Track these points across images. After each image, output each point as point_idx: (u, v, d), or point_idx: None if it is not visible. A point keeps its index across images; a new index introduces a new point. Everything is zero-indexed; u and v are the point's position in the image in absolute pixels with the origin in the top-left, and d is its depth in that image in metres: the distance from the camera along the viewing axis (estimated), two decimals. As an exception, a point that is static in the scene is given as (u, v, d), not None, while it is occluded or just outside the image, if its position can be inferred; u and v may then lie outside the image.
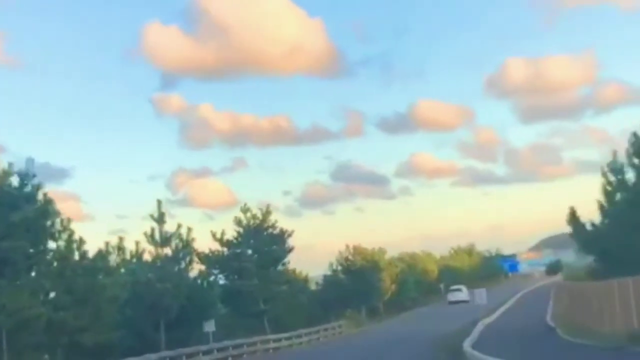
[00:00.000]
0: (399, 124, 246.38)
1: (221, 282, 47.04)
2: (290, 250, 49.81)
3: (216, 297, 39.05)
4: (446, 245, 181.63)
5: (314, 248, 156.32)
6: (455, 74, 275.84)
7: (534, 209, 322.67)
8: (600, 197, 36.69)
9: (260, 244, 48.59)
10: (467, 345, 28.86)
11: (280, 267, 50.00)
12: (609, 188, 36.30)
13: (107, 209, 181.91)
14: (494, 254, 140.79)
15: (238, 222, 48.85)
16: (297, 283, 55.43)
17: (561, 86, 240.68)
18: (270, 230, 49.05)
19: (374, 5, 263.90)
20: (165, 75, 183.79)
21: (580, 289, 37.82)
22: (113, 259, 33.93)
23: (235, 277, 47.67)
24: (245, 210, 48.92)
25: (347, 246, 69.14)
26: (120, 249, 35.16)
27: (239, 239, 48.57)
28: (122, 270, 35.63)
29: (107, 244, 33.30)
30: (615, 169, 36.51)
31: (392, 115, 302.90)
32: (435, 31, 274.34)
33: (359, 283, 67.03)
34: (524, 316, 53.44)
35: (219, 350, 38.77)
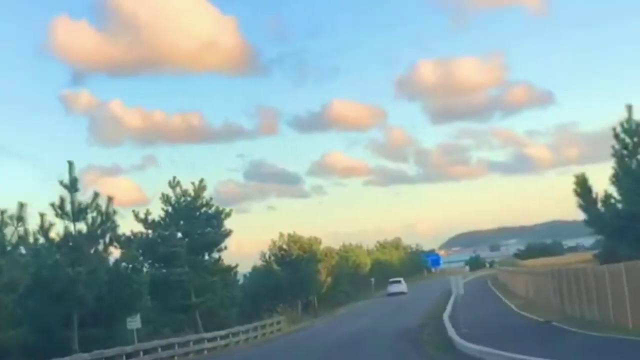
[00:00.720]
0: (313, 123, 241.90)
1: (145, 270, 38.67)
2: (228, 234, 42.01)
3: (144, 287, 30.86)
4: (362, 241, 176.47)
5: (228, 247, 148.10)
6: (368, 75, 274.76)
7: (443, 208, 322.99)
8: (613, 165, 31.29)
9: (192, 225, 40.65)
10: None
11: (215, 254, 42.10)
12: (624, 152, 30.41)
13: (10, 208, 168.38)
14: (415, 250, 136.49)
15: (166, 200, 40.75)
16: (230, 273, 47.49)
17: (471, 88, 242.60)
18: (204, 209, 41.13)
19: (289, 3, 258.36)
20: (74, 71, 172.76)
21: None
22: (9, 232, 25.35)
23: (162, 264, 39.63)
24: (174, 185, 40.86)
25: (282, 234, 61.77)
26: (21, 219, 26.14)
27: (167, 219, 40.50)
28: (22, 249, 27.08)
29: (1, 213, 24.84)
30: (630, 130, 30.93)
31: (305, 114, 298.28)
32: (349, 31, 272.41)
33: (295, 275, 59.79)
34: (486, 309, 47.58)
35: (147, 352, 30.83)
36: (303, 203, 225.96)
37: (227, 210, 41.62)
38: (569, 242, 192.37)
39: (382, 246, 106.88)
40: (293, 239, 61.24)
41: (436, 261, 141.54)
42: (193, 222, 40.50)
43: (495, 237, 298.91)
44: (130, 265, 32.36)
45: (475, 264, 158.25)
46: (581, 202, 34.13)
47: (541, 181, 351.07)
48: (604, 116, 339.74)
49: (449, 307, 49.21)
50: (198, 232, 40.70)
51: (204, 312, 41.23)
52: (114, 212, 29.86)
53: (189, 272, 39.27)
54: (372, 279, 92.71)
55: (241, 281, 61.39)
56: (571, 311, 33.21)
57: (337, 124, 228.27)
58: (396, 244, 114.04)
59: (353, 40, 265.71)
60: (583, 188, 34.35)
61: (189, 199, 40.65)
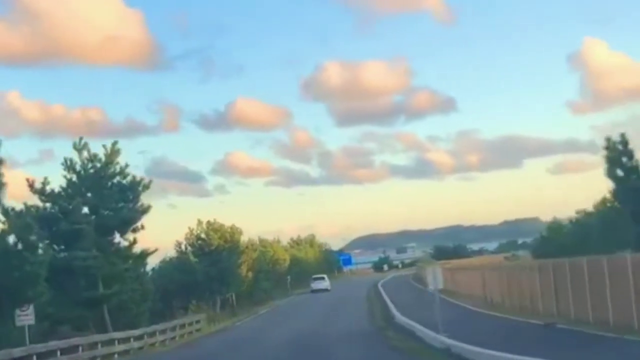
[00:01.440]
0: (217, 121, 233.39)
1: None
2: (146, 210, 33.88)
3: (41, 269, 22.69)
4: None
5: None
6: (274, 75, 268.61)
7: (345, 210, 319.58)
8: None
9: (101, 198, 32.44)
10: None
11: (129, 235, 33.84)
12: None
13: None
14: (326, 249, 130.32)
15: (69, 166, 32.33)
16: (143, 260, 38.98)
17: (375, 91, 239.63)
18: (117, 179, 32.94)
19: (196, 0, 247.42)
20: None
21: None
22: None
23: (63, 246, 31.30)
24: (80, 147, 32.42)
25: (200, 222, 53.70)
26: None
27: (70, 190, 32.14)
28: None
29: None
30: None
31: (210, 112, 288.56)
32: (256, 30, 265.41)
33: (214, 268, 51.97)
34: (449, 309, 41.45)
35: (42, 356, 22.72)
36: (205, 202, 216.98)
37: (146, 181, 33.49)
38: (472, 246, 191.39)
39: (296, 243, 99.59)
40: (213, 227, 53.27)
41: (348, 261, 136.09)
42: (103, 195, 32.29)
43: (396, 240, 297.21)
44: (21, 241, 23.96)
45: (383, 265, 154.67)
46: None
47: (442, 186, 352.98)
48: (502, 124, 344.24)
49: (392, 308, 42.97)
50: (109, 207, 32.49)
51: (114, 306, 33.06)
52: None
53: (96, 256, 31.10)
54: (289, 277, 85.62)
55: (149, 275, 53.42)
56: (564, 311, 28.78)
57: (242, 123, 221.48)
58: (310, 241, 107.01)
59: (259, 39, 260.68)
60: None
61: (98, 165, 32.35)
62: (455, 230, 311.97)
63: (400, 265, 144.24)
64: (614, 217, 76.29)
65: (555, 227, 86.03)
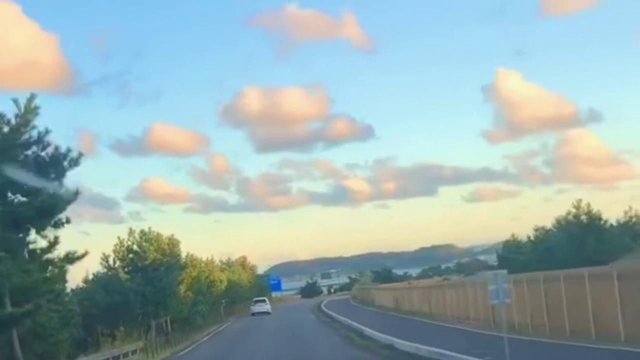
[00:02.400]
0: (134, 147, 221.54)
1: None
2: (74, 197, 23.93)
3: None
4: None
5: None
6: (193, 100, 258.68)
7: (263, 237, 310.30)
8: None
9: (9, 177, 22.42)
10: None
11: (49, 232, 23.80)
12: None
13: None
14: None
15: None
16: (63, 271, 28.70)
17: (294, 118, 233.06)
18: (34, 148, 23.00)
19: (114, 24, 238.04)
20: None
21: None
22: None
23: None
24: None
25: (132, 230, 43.51)
26: None
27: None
28: None
29: None
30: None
31: (127, 137, 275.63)
32: (175, 55, 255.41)
33: (150, 286, 41.95)
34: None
35: None
36: (118, 229, 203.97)
37: (75, 154, 23.58)
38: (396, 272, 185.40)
39: (227, 265, 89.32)
40: (148, 238, 43.16)
41: (277, 286, 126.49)
42: (10, 170, 22.25)
43: (313, 267, 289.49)
44: None
45: (311, 291, 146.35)
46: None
47: (359, 213, 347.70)
48: (419, 152, 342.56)
49: (373, 331, 34.05)
50: (20, 190, 22.55)
51: (27, 332, 22.99)
52: None
53: (2, 258, 21.11)
54: (223, 301, 75.60)
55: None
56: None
57: (159, 149, 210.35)
58: (242, 264, 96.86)
59: (178, 64, 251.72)
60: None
61: (5, 129, 22.36)
62: (373, 257, 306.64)
63: (332, 290, 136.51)
64: (577, 232, 68.80)
65: (513, 244, 79.53)
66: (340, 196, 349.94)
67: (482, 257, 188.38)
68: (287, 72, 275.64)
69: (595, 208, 66.13)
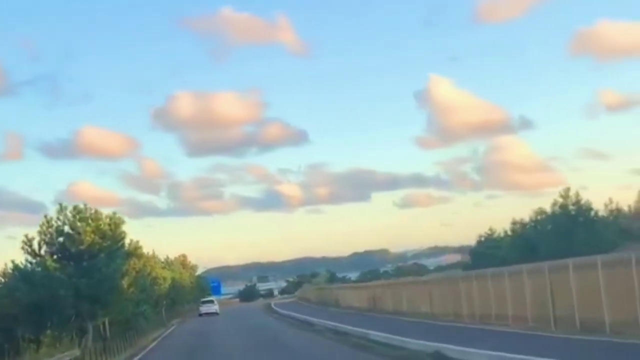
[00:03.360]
0: (62, 149, 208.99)
1: None
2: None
3: None
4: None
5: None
6: (124, 103, 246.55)
7: (194, 242, 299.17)
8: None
9: None
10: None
11: None
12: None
13: None
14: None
15: None
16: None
17: (228, 122, 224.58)
18: None
19: (44, 24, 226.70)
20: None
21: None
22: None
23: None
24: None
25: (62, 206, 33.30)
26: None
27: None
28: None
29: None
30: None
31: (55, 140, 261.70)
32: (106, 57, 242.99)
33: (87, 279, 32.06)
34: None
35: None
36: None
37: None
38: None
39: (166, 263, 78.84)
40: (83, 216, 33.11)
41: (217, 289, 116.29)
42: None
43: (245, 272, 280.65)
44: None
45: (250, 294, 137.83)
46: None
47: (291, 218, 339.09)
48: (352, 158, 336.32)
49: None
50: None
51: None
52: None
53: None
54: (165, 302, 65.50)
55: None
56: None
57: (88, 152, 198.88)
58: (182, 262, 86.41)
59: (109, 67, 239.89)
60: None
61: None
62: (306, 262, 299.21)
63: (277, 293, 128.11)
64: (565, 224, 61.95)
65: (490, 239, 72.02)
66: (273, 201, 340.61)
67: (417, 262, 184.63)
68: (220, 76, 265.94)
69: (584, 198, 59.37)
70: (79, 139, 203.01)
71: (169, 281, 61.99)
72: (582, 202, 58.25)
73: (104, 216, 33.91)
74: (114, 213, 34.17)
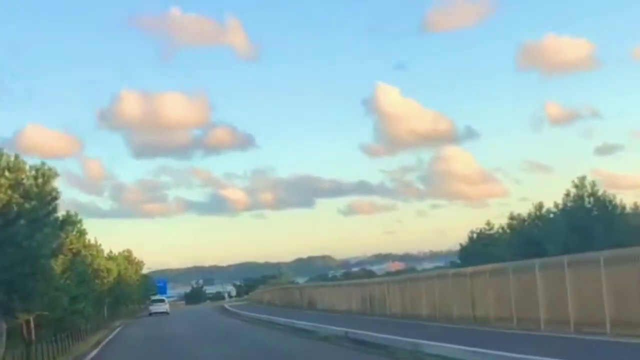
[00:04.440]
0: (3, 148, 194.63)
1: None
2: None
3: None
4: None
5: None
6: (68, 102, 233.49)
7: (135, 244, 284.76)
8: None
9: None
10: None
11: None
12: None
13: None
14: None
15: None
16: None
17: (174, 124, 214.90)
18: None
19: None
20: None
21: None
22: None
23: None
24: None
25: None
26: None
27: None
28: None
29: None
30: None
31: None
32: (51, 54, 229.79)
33: (3, 254, 21.00)
34: None
35: None
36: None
37: None
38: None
39: (109, 257, 66.72)
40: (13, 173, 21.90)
41: (163, 289, 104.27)
42: None
43: (187, 275, 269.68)
44: None
45: (196, 297, 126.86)
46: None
47: (235, 223, 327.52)
48: (298, 164, 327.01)
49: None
50: None
51: None
52: None
53: None
54: (107, 300, 53.87)
55: None
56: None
57: (30, 151, 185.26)
58: (128, 258, 74.38)
59: (54, 63, 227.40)
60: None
61: None
62: (249, 267, 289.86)
63: (228, 296, 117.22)
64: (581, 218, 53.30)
65: (483, 235, 62.57)
66: (217, 205, 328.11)
67: (364, 267, 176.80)
68: (167, 77, 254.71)
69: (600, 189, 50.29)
70: (20, 137, 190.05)
71: (114, 274, 50.49)
72: (600, 193, 49.20)
73: (27, 167, 22.76)
74: (43, 163, 23.03)
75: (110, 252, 67.55)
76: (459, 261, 67.96)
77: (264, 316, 43.93)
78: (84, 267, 35.27)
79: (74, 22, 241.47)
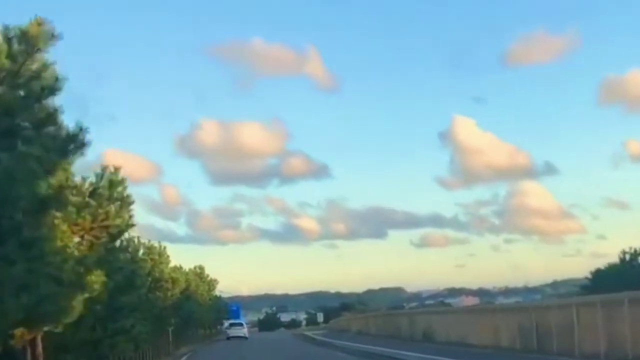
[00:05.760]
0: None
1: None
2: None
3: None
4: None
5: None
6: (148, 128, 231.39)
7: (210, 271, 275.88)
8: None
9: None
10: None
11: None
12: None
13: None
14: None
15: None
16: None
17: (251, 153, 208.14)
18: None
19: (72, 46, 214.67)
20: None
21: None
22: None
23: None
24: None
25: None
26: None
27: None
28: None
29: None
30: None
31: (77, 161, 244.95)
32: (132, 81, 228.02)
33: None
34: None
35: None
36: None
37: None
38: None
39: (178, 270, 54.81)
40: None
41: (237, 313, 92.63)
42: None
43: (258, 303, 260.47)
44: None
45: (271, 324, 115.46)
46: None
47: (307, 252, 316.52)
48: (371, 194, 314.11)
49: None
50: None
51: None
52: None
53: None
54: (172, 319, 42.03)
55: None
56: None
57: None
58: (199, 275, 62.97)
59: (135, 90, 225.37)
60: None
61: None
62: (319, 296, 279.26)
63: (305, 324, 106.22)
64: None
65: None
66: (289, 234, 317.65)
67: (443, 300, 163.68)
68: (245, 106, 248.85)
69: None
70: (102, 161, 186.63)
71: (180, 287, 38.86)
72: None
73: None
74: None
75: (179, 266, 56.39)
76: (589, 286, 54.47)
77: (377, 349, 31.43)
78: (136, 267, 23.60)
79: (154, 49, 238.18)
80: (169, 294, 35.62)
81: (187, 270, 58.12)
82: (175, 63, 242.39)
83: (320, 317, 79.67)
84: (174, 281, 37.28)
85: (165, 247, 36.80)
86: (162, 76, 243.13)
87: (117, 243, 21.48)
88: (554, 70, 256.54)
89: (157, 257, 34.86)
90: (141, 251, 33.50)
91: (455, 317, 36.51)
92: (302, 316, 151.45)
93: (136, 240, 32.39)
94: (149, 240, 34.61)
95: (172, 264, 45.25)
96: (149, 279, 33.00)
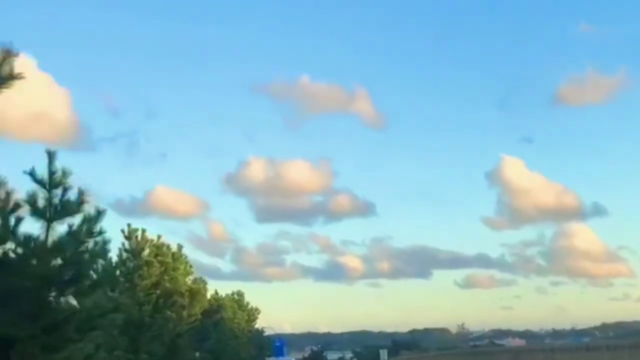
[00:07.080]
0: (133, 207, 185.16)
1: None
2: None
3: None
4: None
5: None
6: (197, 165, 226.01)
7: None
8: None
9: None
10: None
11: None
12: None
13: None
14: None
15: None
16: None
17: (297, 190, 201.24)
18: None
19: (126, 83, 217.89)
20: None
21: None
22: None
23: None
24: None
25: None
26: None
27: None
28: None
29: None
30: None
31: (127, 197, 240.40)
32: (183, 119, 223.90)
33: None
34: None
35: None
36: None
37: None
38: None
39: (215, 297, 42.94)
40: None
41: (280, 350, 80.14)
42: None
43: (299, 340, 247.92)
44: None
45: None
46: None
47: (351, 291, 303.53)
48: (416, 234, 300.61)
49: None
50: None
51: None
52: None
53: None
54: (194, 353, 29.89)
55: None
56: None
57: (158, 211, 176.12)
58: (238, 302, 51.11)
59: (185, 128, 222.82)
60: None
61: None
62: (363, 335, 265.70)
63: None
64: None
65: None
66: (333, 272, 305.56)
67: (493, 340, 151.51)
68: (293, 144, 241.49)
69: None
70: (150, 197, 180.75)
71: (203, 304, 26.89)
72: None
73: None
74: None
75: (216, 292, 44.38)
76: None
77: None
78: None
79: (205, 87, 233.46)
80: (184, 313, 23.80)
81: (223, 295, 46.41)
82: (225, 101, 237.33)
83: (384, 355, 67.07)
84: (193, 295, 25.52)
85: (182, 247, 25.21)
86: (212, 114, 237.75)
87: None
88: (604, 111, 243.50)
89: (170, 260, 23.16)
90: (147, 251, 22.09)
91: (586, 355, 23.52)
92: (347, 355, 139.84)
93: (139, 234, 21.09)
94: (159, 237, 23.03)
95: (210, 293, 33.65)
96: (157, 291, 21.38)
